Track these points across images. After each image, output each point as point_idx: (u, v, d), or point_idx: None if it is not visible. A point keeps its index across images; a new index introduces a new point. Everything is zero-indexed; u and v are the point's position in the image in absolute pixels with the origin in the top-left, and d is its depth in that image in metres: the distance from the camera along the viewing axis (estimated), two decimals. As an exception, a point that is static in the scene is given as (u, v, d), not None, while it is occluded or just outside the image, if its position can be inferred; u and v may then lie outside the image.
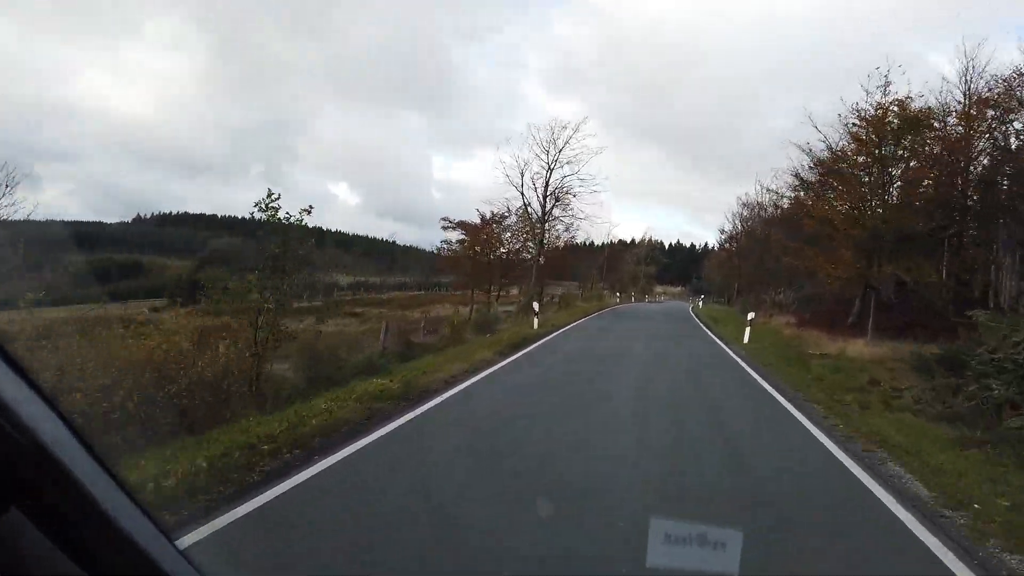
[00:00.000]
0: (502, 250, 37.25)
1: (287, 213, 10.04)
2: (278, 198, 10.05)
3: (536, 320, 22.23)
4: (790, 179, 30.48)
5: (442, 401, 8.77)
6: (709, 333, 25.31)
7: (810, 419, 8.99)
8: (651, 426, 8.04)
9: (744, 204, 55.65)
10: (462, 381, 10.39)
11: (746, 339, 20.44)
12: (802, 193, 27.36)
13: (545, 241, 35.62)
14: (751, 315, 21.32)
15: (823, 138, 24.63)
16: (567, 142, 33.92)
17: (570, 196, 34.18)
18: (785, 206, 31.15)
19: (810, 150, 26.45)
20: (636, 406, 9.27)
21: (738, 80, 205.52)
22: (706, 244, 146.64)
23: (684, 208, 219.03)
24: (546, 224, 34.38)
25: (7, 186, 18.57)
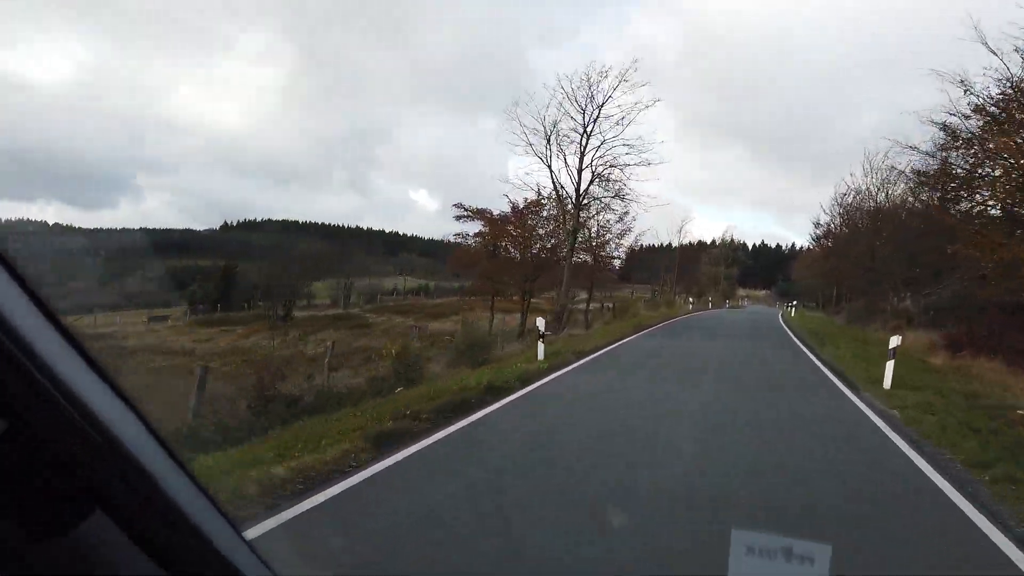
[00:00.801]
0: (537, 246, 29.62)
1: None
2: None
3: (542, 348, 14.42)
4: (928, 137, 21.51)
5: None
6: (816, 363, 16.75)
7: None
8: None
9: (848, 189, 45.70)
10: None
11: (887, 382, 12.05)
12: (958, 151, 18.33)
13: (585, 233, 27.61)
14: (895, 340, 12.77)
15: (999, 59, 15.76)
16: (610, 95, 25.68)
17: (615, 169, 25.68)
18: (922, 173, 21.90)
19: (967, 89, 17.53)
20: None
21: (828, 74, 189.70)
22: (793, 245, 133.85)
23: (769, 210, 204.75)
24: (582, 208, 26.10)
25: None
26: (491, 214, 28.32)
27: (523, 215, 28.39)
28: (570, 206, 25.62)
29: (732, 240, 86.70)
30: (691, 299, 54.81)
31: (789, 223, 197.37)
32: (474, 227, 29.31)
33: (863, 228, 39.77)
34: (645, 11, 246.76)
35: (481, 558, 4.06)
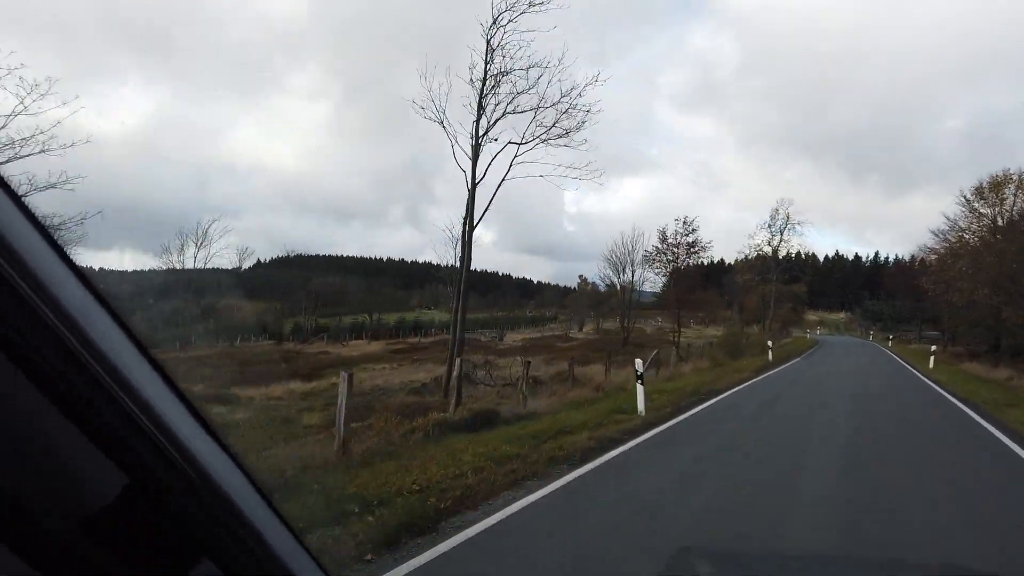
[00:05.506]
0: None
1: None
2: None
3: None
4: None
5: None
6: None
7: None
8: None
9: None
10: None
11: None
12: None
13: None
14: None
15: None
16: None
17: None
18: None
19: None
20: None
21: (903, 82, 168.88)
22: (876, 255, 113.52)
23: (840, 226, 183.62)
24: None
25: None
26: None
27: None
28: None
29: (788, 220, 51.65)
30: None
31: (863, 239, 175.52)
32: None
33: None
34: (702, 24, 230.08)
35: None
